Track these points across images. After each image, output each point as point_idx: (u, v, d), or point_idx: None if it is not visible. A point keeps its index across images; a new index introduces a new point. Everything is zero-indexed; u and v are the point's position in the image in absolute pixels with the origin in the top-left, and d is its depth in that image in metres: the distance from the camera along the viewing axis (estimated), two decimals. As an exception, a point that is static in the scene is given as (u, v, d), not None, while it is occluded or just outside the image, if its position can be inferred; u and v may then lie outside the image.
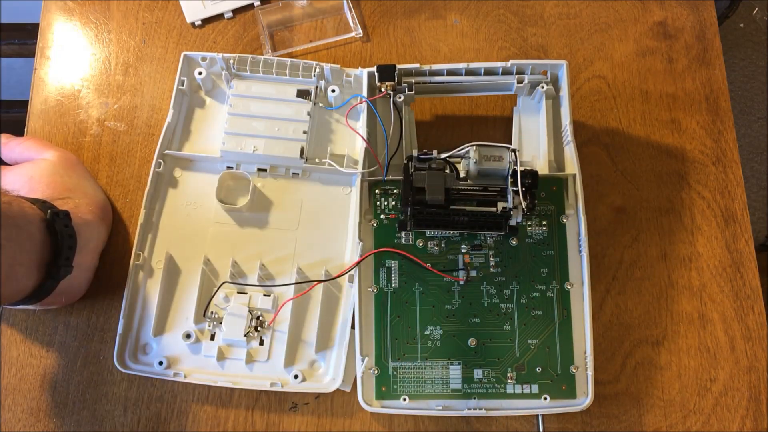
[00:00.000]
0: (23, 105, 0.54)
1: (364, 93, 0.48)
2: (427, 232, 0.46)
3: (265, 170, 0.49)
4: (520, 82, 0.48)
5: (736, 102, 0.97)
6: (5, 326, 0.47)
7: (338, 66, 0.49)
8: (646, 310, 0.47)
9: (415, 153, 0.44)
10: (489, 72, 0.48)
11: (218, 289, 0.46)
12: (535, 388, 0.44)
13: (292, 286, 0.46)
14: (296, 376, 0.45)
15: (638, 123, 0.52)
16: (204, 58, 0.49)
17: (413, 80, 0.47)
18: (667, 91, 0.52)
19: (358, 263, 0.45)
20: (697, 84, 0.53)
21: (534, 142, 0.49)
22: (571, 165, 0.46)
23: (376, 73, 0.47)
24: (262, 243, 0.47)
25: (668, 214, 0.50)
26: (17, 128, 0.51)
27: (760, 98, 0.98)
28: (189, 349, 0.45)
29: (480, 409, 0.43)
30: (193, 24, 0.55)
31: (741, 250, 0.49)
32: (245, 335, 0.45)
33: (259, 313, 0.46)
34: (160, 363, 0.45)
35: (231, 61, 0.48)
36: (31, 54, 0.54)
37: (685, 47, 0.54)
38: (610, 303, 0.48)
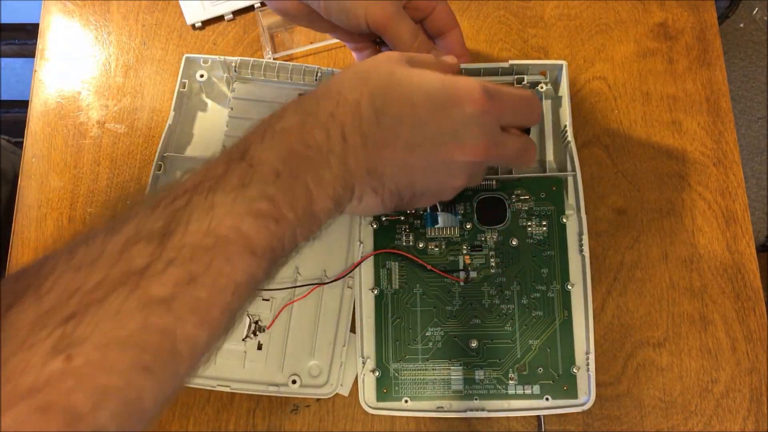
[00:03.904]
0: (23, 105, 0.54)
1: (365, 94, 0.48)
2: (428, 233, 0.46)
3: (265, 172, 0.48)
4: (519, 82, 0.48)
5: (736, 102, 0.97)
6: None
7: (339, 69, 0.49)
8: (647, 311, 0.47)
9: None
10: (489, 73, 0.48)
11: (219, 291, 0.46)
12: (536, 389, 0.44)
13: (292, 289, 0.46)
14: (295, 381, 0.45)
15: (639, 124, 0.52)
16: (205, 61, 0.49)
17: (414, 82, 0.47)
18: (667, 92, 0.52)
19: (358, 265, 0.45)
20: (697, 85, 0.52)
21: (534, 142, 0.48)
22: (572, 165, 0.46)
23: (376, 75, 0.47)
24: (263, 245, 0.47)
25: (669, 216, 0.49)
26: (17, 128, 0.51)
27: (760, 98, 0.98)
28: (190, 351, 0.45)
29: (481, 410, 0.43)
30: (193, 26, 0.54)
31: (742, 252, 0.48)
32: (244, 339, 0.45)
33: (258, 317, 0.46)
34: (161, 365, 0.45)
35: (233, 65, 0.48)
36: (31, 54, 0.54)
37: (685, 48, 0.54)
38: (611, 304, 0.48)
